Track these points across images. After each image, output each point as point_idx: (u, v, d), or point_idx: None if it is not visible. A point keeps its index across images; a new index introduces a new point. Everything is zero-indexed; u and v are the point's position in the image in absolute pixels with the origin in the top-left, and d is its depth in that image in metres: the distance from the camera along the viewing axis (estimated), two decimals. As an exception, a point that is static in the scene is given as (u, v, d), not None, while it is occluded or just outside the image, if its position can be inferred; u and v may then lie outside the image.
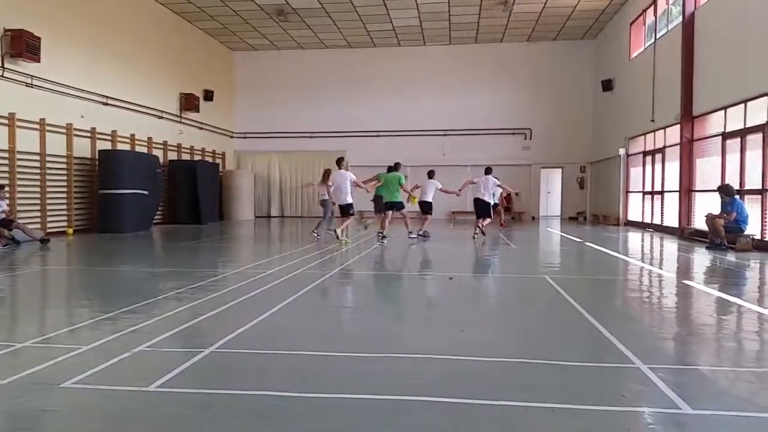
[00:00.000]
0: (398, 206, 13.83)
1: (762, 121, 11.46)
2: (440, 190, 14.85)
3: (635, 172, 19.85)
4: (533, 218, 24.66)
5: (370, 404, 3.12)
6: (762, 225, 11.43)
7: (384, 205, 14.12)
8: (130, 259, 10.70)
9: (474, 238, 14.02)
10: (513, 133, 25.22)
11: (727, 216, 11.39)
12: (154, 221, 18.26)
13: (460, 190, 15.20)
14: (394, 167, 14.70)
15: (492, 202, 14.86)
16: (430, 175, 15.49)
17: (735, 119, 12.70)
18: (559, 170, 25.33)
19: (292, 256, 10.20)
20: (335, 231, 12.76)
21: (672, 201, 16.11)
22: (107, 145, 17.11)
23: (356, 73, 25.81)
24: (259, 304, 5.76)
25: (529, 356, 4.01)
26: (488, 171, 14.96)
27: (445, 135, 25.40)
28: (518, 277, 8.32)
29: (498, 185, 14.83)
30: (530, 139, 25.04)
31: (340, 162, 13.59)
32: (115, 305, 5.64)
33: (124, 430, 2.85)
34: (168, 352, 4.18)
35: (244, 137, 26.56)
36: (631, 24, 19.90)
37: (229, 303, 5.81)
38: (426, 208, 14.83)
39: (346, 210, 13.19)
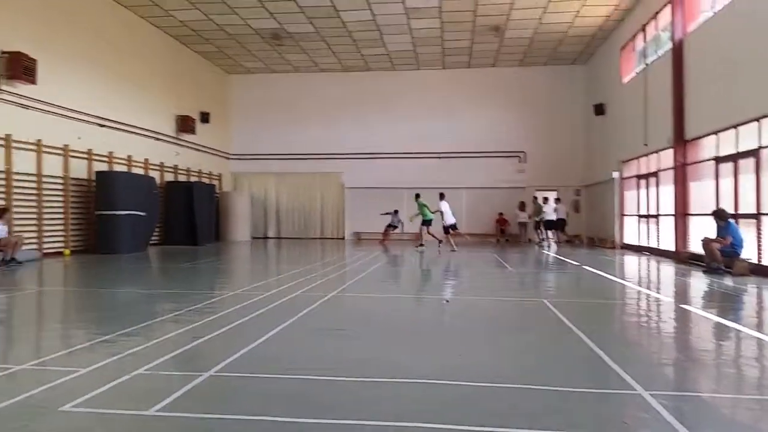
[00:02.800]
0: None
1: (754, 146, 11.59)
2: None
3: (630, 195, 19.97)
4: (529, 240, 24.69)
5: (371, 431, 3.09)
6: (758, 249, 11.49)
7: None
8: (127, 280, 10.64)
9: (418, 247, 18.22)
10: (507, 156, 25.40)
11: (723, 241, 11.45)
12: (150, 242, 18.21)
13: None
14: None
15: (449, 223, 18.24)
16: (442, 197, 18.65)
17: (727, 143, 12.84)
18: (554, 193, 25.45)
19: (290, 278, 10.17)
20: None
21: (667, 224, 16.19)
22: (104, 167, 17.13)
23: (351, 96, 26.04)
24: (258, 327, 5.73)
25: (529, 382, 4.00)
26: (442, 196, 18.57)
27: (439, 158, 25.55)
28: (516, 300, 8.31)
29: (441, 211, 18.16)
30: (524, 162, 25.21)
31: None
32: (112, 327, 5.60)
33: (124, 458, 2.81)
34: (167, 375, 4.14)
35: (241, 159, 26.63)
36: (621, 49, 20.19)
37: (227, 325, 5.78)
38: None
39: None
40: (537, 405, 3.57)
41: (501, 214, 25.00)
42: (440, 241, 18.38)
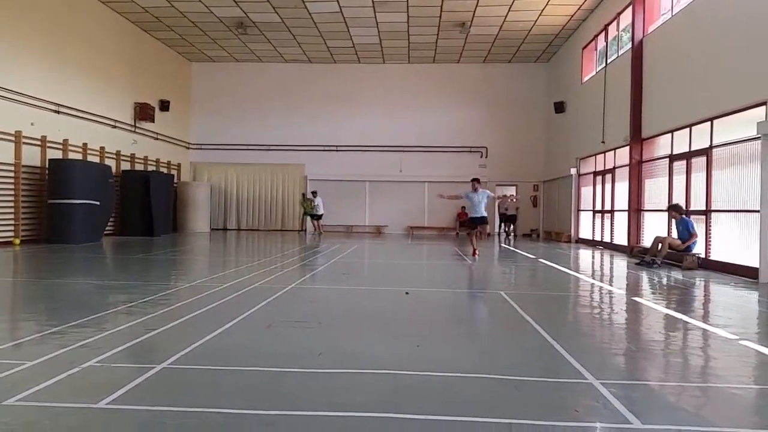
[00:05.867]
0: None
1: (706, 145, 11.98)
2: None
3: (586, 191, 20.42)
4: (489, 235, 25.00)
5: (326, 421, 3.09)
6: (707, 244, 11.89)
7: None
8: (80, 271, 10.36)
9: None
10: (470, 151, 25.65)
11: (688, 240, 11.72)
12: (105, 232, 17.76)
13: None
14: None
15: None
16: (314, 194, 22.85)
17: (681, 142, 13.24)
18: (514, 188, 25.84)
19: (249, 270, 10.07)
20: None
21: (621, 220, 16.62)
22: (58, 154, 16.64)
23: (316, 87, 25.86)
24: (213, 319, 5.65)
25: (484, 372, 4.06)
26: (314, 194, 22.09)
27: (402, 151, 25.62)
28: (474, 292, 8.41)
29: None
30: (486, 157, 25.49)
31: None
32: (63, 319, 5.45)
33: (71, 450, 2.74)
34: (118, 367, 4.05)
35: (201, 148, 26.19)
36: (583, 49, 20.57)
37: (182, 318, 5.69)
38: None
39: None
40: (491, 394, 3.62)
41: (464, 208, 25.22)
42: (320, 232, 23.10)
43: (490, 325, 6.04)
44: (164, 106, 22.91)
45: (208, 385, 3.69)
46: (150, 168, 21.92)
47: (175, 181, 23.71)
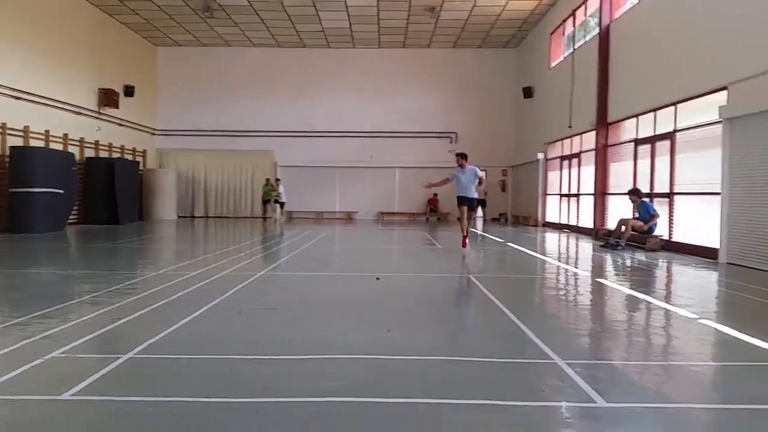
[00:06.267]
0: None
1: (670, 129, 12.22)
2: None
3: (553, 175, 20.69)
4: (458, 219, 25.18)
5: (297, 407, 3.10)
6: (669, 226, 12.18)
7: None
8: (43, 260, 10.12)
9: None
10: (440, 137, 25.70)
11: (650, 221, 12.00)
12: (68, 221, 17.37)
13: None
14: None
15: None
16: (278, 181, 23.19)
17: (646, 126, 13.48)
18: (483, 173, 25.96)
19: (218, 258, 9.97)
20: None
21: (587, 203, 16.90)
22: (19, 142, 16.16)
23: (285, 73, 25.58)
24: (181, 308, 5.59)
25: (454, 354, 4.11)
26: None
27: (372, 137, 25.56)
28: (444, 276, 8.48)
29: None
30: (456, 142, 25.59)
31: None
32: (26, 309, 5.33)
33: (35, 442, 2.70)
34: (83, 358, 3.99)
35: (167, 135, 25.72)
36: (551, 34, 20.72)
37: (149, 307, 5.62)
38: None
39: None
40: (460, 376, 3.67)
41: (435, 194, 25.39)
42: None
43: (459, 309, 6.10)
44: (129, 91, 22.39)
45: (176, 374, 3.66)
46: (115, 155, 21.46)
47: (141, 168, 23.26)
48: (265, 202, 23.80)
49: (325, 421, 2.91)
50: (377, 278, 7.65)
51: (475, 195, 11.63)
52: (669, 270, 9.42)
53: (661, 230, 12.18)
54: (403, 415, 3.01)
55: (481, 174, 11.61)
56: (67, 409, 3.05)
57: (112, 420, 2.92)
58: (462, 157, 11.59)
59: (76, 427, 2.87)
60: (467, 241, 11.51)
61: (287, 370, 3.77)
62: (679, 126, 11.93)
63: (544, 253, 11.86)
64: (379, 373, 3.70)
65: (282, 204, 23.29)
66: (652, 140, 13.12)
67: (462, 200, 11.62)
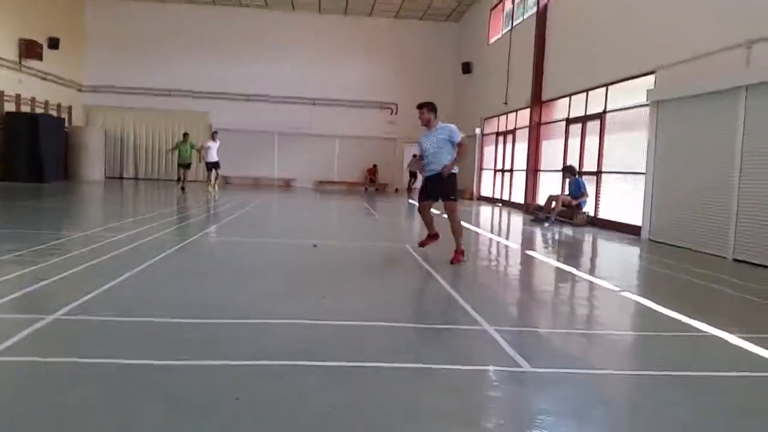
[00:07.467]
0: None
1: (600, 110, 12.66)
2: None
3: (489, 151, 21.09)
4: (396, 190, 25.39)
5: (231, 370, 3.09)
6: (596, 203, 12.71)
7: None
8: (-45, 219, 9.52)
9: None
10: (380, 107, 25.63)
11: (580, 198, 12.46)
12: (-15, 179, 16.36)
13: None
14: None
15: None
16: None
17: (578, 106, 13.90)
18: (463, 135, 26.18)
19: (148, 220, 9.65)
20: None
21: (520, 179, 17.37)
22: (-73, 91, 14.95)
23: (221, 32, 24.64)
24: (110, 269, 5.41)
25: (388, 320, 4.18)
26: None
27: (313, 104, 25.20)
28: (381, 245, 8.56)
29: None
30: (396, 114, 25.59)
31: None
32: (-63, 270, 5.03)
33: (-47, 404, 2.58)
34: (6, 318, 3.83)
35: (95, 92, 24.40)
36: (491, 10, 20.89)
37: (75, 267, 5.40)
38: None
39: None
40: (393, 341, 3.76)
41: (375, 165, 25.39)
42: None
43: (395, 278, 6.19)
44: (53, 44, 21.00)
45: (103, 336, 3.57)
46: (38, 110, 20.22)
47: (66, 125, 22.06)
48: (183, 166, 18.72)
49: (260, 383, 2.92)
50: (315, 245, 7.63)
51: (447, 168, 6.84)
52: (594, 244, 9.86)
53: (588, 207, 12.69)
54: (335, 378, 3.05)
55: (460, 136, 6.97)
56: (-12, 371, 2.92)
57: (38, 381, 2.82)
58: (427, 109, 7.04)
59: (0, 386, 2.76)
60: (434, 240, 7.55)
61: (216, 334, 3.72)
62: (609, 107, 12.37)
63: (477, 226, 12.14)
64: (310, 338, 3.71)
65: (215, 166, 17.84)
66: (583, 120, 13.56)
67: (427, 184, 7.21)
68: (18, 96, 19.09)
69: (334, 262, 6.84)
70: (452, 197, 7.01)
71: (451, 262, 6.70)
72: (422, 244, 7.59)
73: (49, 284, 4.75)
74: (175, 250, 6.81)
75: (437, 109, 7.10)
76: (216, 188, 17.77)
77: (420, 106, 7.11)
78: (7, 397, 2.66)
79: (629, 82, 11.49)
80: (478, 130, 21.42)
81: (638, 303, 5.29)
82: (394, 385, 3.03)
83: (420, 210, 7.44)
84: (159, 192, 18.03)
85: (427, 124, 7.07)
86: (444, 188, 6.96)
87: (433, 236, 7.51)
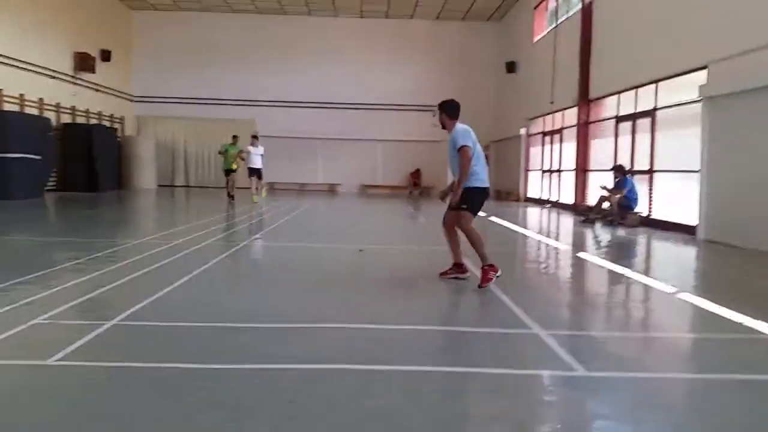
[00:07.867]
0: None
1: (650, 107, 12.32)
2: None
3: (535, 151, 20.78)
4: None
5: (285, 373, 3.13)
6: (649, 203, 12.35)
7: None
8: (22, 227, 9.95)
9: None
10: (422, 110, 25.57)
11: (615, 193, 12.20)
12: (46, 188, 17.07)
13: None
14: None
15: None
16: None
17: (627, 104, 13.56)
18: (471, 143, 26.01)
19: (199, 227, 9.88)
20: None
21: (568, 179, 17.04)
22: (-9, 106, 15.73)
23: (264, 40, 25.11)
24: (165, 276, 5.57)
25: (438, 324, 4.17)
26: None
27: (355, 109, 25.35)
28: (427, 248, 8.52)
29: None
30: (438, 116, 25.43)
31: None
32: (6, 276, 5.25)
33: (20, 407, 2.68)
34: (67, 324, 3.98)
35: (145, 101, 25.19)
36: (534, 8, 20.61)
37: (132, 274, 5.58)
38: None
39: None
40: (443, 345, 3.74)
41: (418, 169, 25.38)
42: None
43: (442, 281, 6.15)
44: (105, 56, 21.85)
45: (161, 341, 3.67)
46: (92, 121, 21.02)
47: (119, 135, 22.85)
48: (229, 171, 16.94)
49: (313, 387, 2.95)
50: (360, 250, 7.67)
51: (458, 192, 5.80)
52: (648, 245, 9.58)
53: (641, 207, 12.34)
54: (385, 381, 3.05)
55: (461, 143, 6.07)
56: (55, 374, 3.05)
57: (97, 385, 2.92)
58: (442, 110, 6.42)
59: (64, 391, 2.87)
60: (460, 272, 5.98)
61: (273, 338, 3.79)
62: (660, 104, 12.02)
63: (525, 227, 11.97)
64: (363, 342, 3.73)
65: (257, 173, 16.70)
66: (633, 117, 13.21)
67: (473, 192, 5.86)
68: (73, 108, 19.89)
69: (384, 266, 6.86)
70: (462, 206, 5.74)
71: (479, 286, 5.38)
72: (443, 274, 5.96)
73: (108, 291, 4.91)
74: (226, 256, 6.95)
75: (456, 108, 6.29)
76: (262, 194, 17.08)
77: (442, 106, 6.36)
78: (68, 402, 2.76)
79: (680, 78, 11.14)
80: (523, 131, 21.14)
81: (695, 305, 5.11)
82: (445, 389, 3.01)
83: (442, 224, 6.14)
84: (209, 199, 18.45)
85: (444, 126, 6.25)
86: (453, 197, 5.83)
87: (456, 266, 5.98)
